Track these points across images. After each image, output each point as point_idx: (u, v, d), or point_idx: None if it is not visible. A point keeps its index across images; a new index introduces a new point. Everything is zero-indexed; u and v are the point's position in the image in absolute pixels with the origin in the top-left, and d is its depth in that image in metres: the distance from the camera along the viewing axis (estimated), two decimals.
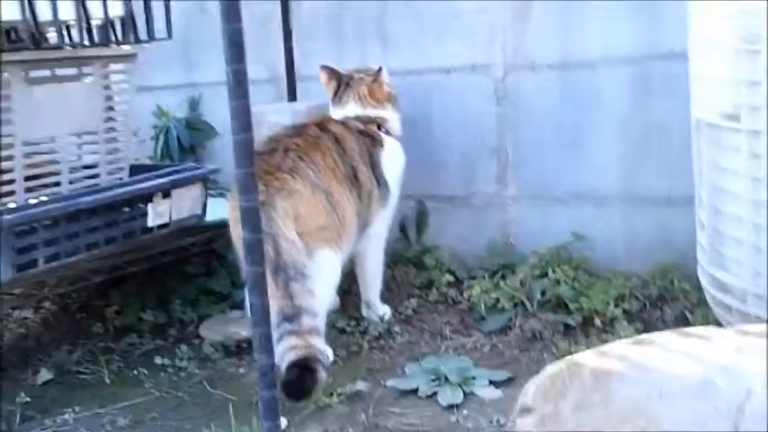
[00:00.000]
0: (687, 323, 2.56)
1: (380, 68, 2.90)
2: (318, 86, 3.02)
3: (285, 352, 2.13)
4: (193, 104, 3.83)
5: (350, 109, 2.88)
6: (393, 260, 3.20)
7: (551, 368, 1.49)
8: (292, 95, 3.45)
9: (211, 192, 3.10)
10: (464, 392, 2.35)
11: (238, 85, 1.63)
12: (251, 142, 1.65)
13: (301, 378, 2.10)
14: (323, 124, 2.72)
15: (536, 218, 3.16)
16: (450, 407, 2.30)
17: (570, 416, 1.31)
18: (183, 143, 3.72)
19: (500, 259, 3.13)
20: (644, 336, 1.61)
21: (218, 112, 3.80)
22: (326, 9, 3.43)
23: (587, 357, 1.52)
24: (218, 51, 3.66)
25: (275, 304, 2.06)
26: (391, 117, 2.92)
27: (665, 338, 1.53)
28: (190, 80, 3.79)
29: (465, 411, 2.28)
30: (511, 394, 2.27)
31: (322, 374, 2.16)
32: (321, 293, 2.39)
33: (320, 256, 2.44)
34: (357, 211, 2.61)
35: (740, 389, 1.37)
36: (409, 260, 3.24)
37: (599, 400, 1.39)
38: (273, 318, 1.81)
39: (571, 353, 2.42)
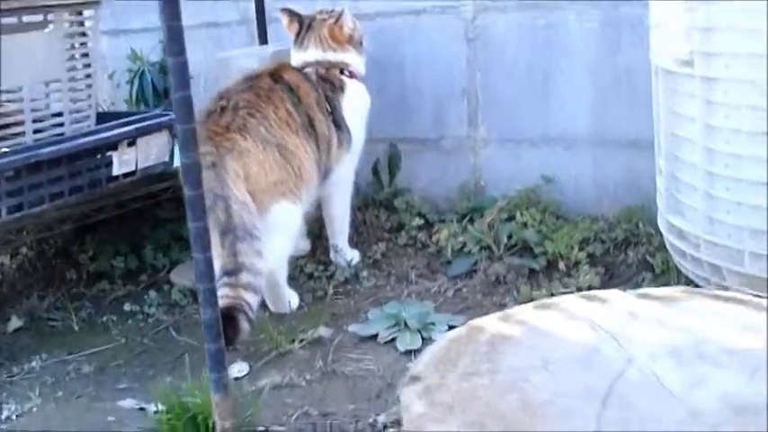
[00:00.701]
0: (649, 267, 2.58)
1: (342, 10, 2.87)
2: None
3: None
4: (165, 48, 3.79)
5: (311, 53, 2.85)
6: (364, 203, 3.23)
7: (451, 334, 1.50)
8: (263, 38, 3.42)
9: None
10: (422, 338, 2.37)
11: (175, 41, 1.62)
12: (189, 99, 1.65)
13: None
14: (277, 73, 2.70)
15: (507, 160, 3.16)
16: (408, 352, 2.32)
17: (453, 387, 1.31)
18: (158, 87, 3.69)
19: (471, 202, 3.14)
20: (548, 299, 1.63)
21: (192, 55, 3.76)
22: None
23: (489, 322, 1.53)
24: None
25: (218, 262, 2.09)
26: (354, 60, 2.89)
27: (569, 302, 1.54)
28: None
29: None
30: None
31: (243, 324, 2.22)
32: (278, 245, 2.45)
33: (276, 210, 2.46)
34: (316, 160, 2.61)
35: (621, 358, 1.38)
36: (381, 203, 3.25)
37: (486, 369, 1.38)
38: (217, 273, 1.82)
39: (533, 298, 2.48)
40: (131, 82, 3.79)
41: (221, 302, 2.12)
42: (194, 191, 1.67)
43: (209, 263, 1.69)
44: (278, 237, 2.45)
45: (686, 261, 2.22)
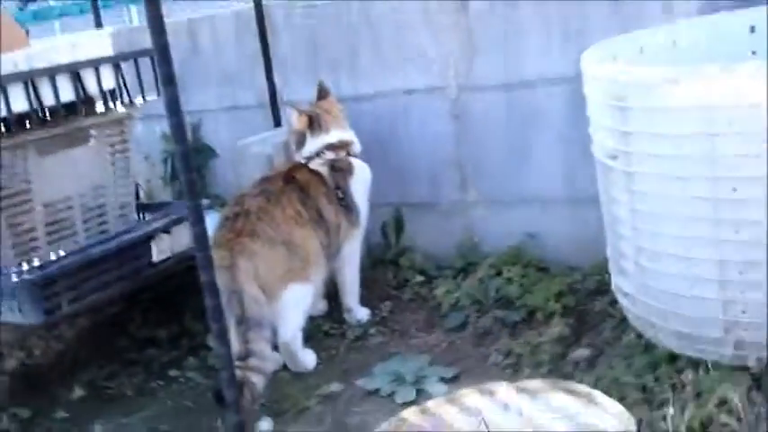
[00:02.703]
0: (609, 316, 2.99)
1: (327, 87, 3.36)
2: None
3: None
4: (194, 129, 4.30)
5: (324, 138, 3.30)
6: (374, 262, 3.69)
7: (384, 425, 1.94)
8: (276, 121, 3.91)
9: (212, 209, 3.60)
10: (417, 390, 2.81)
11: (173, 107, 2.05)
12: (188, 152, 2.11)
13: None
14: (289, 174, 3.17)
15: (495, 220, 3.59)
16: (405, 404, 2.75)
17: None
18: None
19: (466, 258, 3.58)
20: (456, 393, 2.07)
21: (216, 135, 4.29)
22: (304, 45, 3.87)
23: (411, 414, 1.98)
24: (212, 82, 4.19)
25: (234, 346, 2.56)
26: (354, 138, 3.36)
27: (468, 396, 1.99)
28: (190, 108, 4.24)
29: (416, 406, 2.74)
30: (457, 389, 2.71)
31: (246, 397, 2.63)
32: (291, 320, 2.98)
33: (286, 294, 2.95)
34: (324, 245, 3.10)
35: None
36: (389, 261, 3.72)
37: None
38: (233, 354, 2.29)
39: (511, 348, 2.91)
40: (165, 162, 4.32)
41: None
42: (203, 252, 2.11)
43: (228, 355, 2.16)
44: (291, 313, 2.97)
45: (630, 315, 2.65)
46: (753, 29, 2.75)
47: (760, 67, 2.12)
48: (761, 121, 2.11)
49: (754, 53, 2.72)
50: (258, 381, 2.72)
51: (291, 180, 3.13)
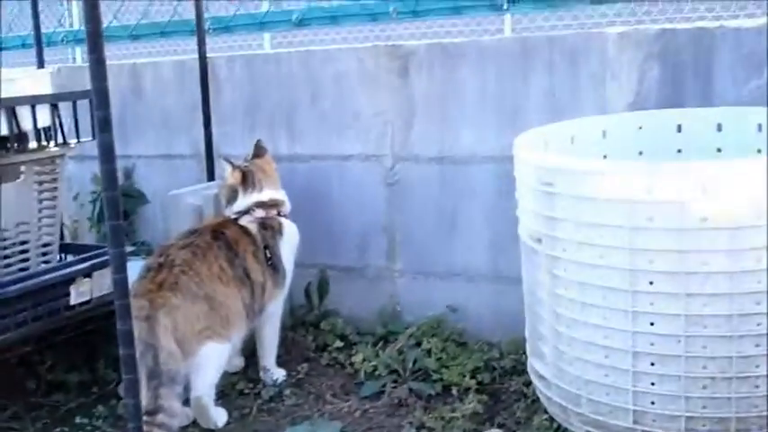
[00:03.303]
0: (524, 396, 3.02)
1: (264, 146, 3.38)
2: None
3: None
4: (127, 173, 4.28)
5: (256, 196, 3.30)
6: (294, 323, 3.68)
7: None
8: (210, 174, 3.90)
9: (137, 256, 3.56)
10: None
11: (107, 153, 2.04)
12: (117, 199, 2.08)
13: None
14: (218, 230, 3.15)
15: (419, 290, 3.63)
16: None
17: None
18: None
19: (387, 327, 3.60)
20: None
21: (149, 182, 4.26)
22: (245, 99, 3.90)
23: None
24: (150, 128, 4.19)
25: (144, 401, 2.52)
26: (285, 197, 3.37)
27: None
28: (125, 152, 4.22)
29: None
30: None
31: None
32: (205, 377, 2.94)
33: (203, 352, 2.92)
34: (248, 305, 3.09)
35: None
36: (310, 323, 3.71)
37: None
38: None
39: (423, 422, 2.91)
40: (93, 203, 4.28)
41: None
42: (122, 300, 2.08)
43: (137, 407, 2.13)
44: (206, 370, 2.92)
45: (543, 397, 2.68)
46: (679, 128, 2.85)
47: (682, 167, 2.20)
48: (678, 219, 2.18)
49: (679, 151, 2.82)
50: None
51: (220, 236, 3.11)
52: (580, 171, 2.36)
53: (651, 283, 2.27)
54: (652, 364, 2.32)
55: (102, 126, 2.06)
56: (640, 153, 2.86)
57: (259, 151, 3.41)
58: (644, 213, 2.24)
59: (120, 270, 2.12)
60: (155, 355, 2.77)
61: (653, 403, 2.34)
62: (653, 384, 2.33)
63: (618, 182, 2.27)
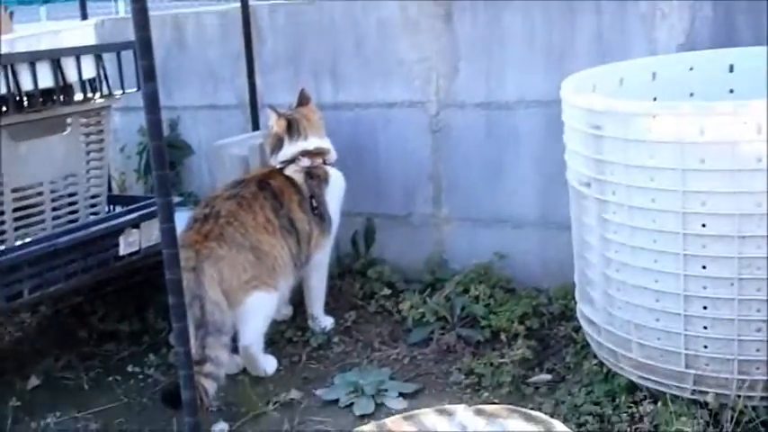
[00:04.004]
0: (573, 341, 3.00)
1: (308, 94, 3.35)
2: None
3: None
4: (173, 125, 4.28)
5: (301, 144, 3.27)
6: (342, 271, 3.68)
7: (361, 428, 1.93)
8: (255, 124, 3.89)
9: (184, 206, 3.59)
10: (376, 403, 2.80)
11: (152, 103, 2.04)
12: (163, 148, 2.07)
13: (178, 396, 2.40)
14: (263, 180, 3.14)
15: (466, 237, 3.60)
16: (363, 416, 2.75)
17: None
18: None
19: (434, 274, 3.58)
20: (414, 412, 2.06)
21: (194, 133, 4.27)
22: (288, 48, 3.87)
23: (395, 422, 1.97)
24: (194, 79, 4.19)
25: (192, 350, 2.53)
26: (330, 146, 3.34)
27: (426, 416, 1.98)
28: (170, 104, 4.22)
29: (374, 421, 2.74)
30: (416, 405, 2.73)
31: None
32: (253, 326, 2.96)
33: (250, 301, 2.93)
34: (294, 254, 3.09)
35: None
36: (357, 271, 3.72)
37: None
38: None
39: (471, 368, 2.91)
40: (140, 154, 4.30)
41: None
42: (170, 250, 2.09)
43: (188, 355, 2.15)
44: (253, 320, 2.95)
45: (593, 342, 2.66)
46: (731, 68, 2.77)
47: (736, 106, 2.14)
48: (731, 160, 2.13)
49: (731, 92, 2.75)
50: (210, 387, 2.71)
51: (265, 186, 3.11)
52: (629, 113, 2.31)
53: (704, 225, 2.23)
54: (704, 308, 2.29)
55: (147, 75, 2.05)
56: (691, 95, 2.79)
57: (303, 100, 3.38)
58: (696, 155, 2.19)
59: (168, 219, 2.13)
60: (201, 306, 2.79)
61: (705, 347, 2.31)
62: (705, 328, 2.30)
63: (669, 123, 2.22)
